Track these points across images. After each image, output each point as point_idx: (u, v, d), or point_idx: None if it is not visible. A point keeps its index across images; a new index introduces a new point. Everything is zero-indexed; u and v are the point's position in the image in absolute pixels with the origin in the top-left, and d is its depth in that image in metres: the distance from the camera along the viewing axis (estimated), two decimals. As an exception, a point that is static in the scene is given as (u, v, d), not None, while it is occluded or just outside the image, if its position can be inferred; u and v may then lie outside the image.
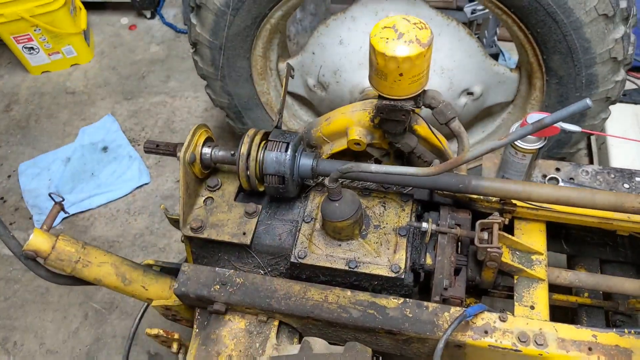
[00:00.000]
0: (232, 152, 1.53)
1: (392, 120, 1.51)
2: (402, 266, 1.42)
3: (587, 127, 2.06)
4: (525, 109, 2.15)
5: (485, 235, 1.41)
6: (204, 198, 1.60)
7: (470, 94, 2.13)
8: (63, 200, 1.65)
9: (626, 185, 1.64)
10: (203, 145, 1.53)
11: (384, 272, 1.42)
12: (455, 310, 1.39)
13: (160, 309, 1.68)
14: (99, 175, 3.26)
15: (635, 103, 2.81)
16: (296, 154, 1.47)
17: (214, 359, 1.45)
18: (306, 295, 1.44)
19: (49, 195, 1.65)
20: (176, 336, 1.63)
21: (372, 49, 1.32)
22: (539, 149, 1.54)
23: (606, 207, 1.34)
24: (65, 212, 1.70)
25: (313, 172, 1.48)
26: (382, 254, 1.44)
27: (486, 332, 1.36)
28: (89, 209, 3.12)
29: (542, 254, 1.49)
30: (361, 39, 2.04)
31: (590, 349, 1.33)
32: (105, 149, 3.40)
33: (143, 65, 3.79)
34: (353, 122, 1.72)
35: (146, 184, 3.19)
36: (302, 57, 2.24)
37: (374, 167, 1.27)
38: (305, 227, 1.51)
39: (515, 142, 1.55)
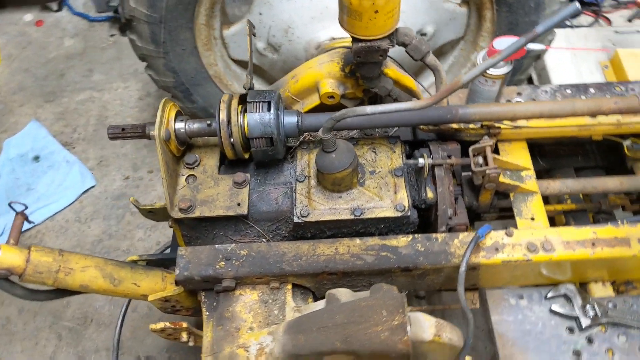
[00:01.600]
0: (209, 122, 1.44)
1: (369, 63, 1.48)
2: (406, 204, 1.42)
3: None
4: (476, 43, 2.19)
5: (480, 159, 1.44)
6: (185, 177, 1.51)
7: (424, 34, 2.14)
8: (26, 208, 1.51)
9: (583, 97, 1.73)
10: (175, 120, 1.43)
11: (389, 213, 1.41)
12: (464, 236, 1.41)
13: (158, 302, 1.59)
14: (37, 188, 3.01)
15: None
16: (279, 112, 1.41)
17: (234, 335, 1.39)
18: (316, 252, 1.41)
19: (9, 205, 1.50)
20: (184, 325, 1.55)
21: (344, -12, 1.27)
22: (507, 74, 1.57)
23: (586, 113, 1.40)
24: (30, 222, 1.56)
25: (299, 128, 1.43)
26: (384, 197, 1.44)
27: (497, 249, 1.40)
28: (34, 226, 2.89)
29: (530, 169, 1.55)
30: (309, -10, 1.98)
31: (593, 244, 1.41)
32: (36, 158, 3.14)
33: (59, 62, 3.50)
34: (323, 75, 1.67)
35: (92, 187, 2.99)
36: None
37: (369, 109, 1.24)
38: (300, 187, 1.47)
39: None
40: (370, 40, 1.38)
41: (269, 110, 1.37)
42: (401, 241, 1.41)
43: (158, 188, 2.97)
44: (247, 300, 1.44)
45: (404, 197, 1.43)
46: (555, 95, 1.71)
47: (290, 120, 1.42)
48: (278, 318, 1.41)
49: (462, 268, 1.30)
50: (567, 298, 1.52)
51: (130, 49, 2.20)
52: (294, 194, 1.46)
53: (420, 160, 1.44)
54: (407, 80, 1.69)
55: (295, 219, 1.42)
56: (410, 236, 1.42)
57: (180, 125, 1.43)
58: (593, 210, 1.73)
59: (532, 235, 1.42)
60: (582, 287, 1.57)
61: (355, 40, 1.40)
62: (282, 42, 2.12)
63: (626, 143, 1.63)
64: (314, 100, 1.72)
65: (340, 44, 2.02)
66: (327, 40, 2.04)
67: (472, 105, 1.44)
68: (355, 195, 1.44)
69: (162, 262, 1.75)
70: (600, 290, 1.55)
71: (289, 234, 1.49)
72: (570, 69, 2.65)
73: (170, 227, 1.55)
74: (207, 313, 1.47)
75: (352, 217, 1.41)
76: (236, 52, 2.32)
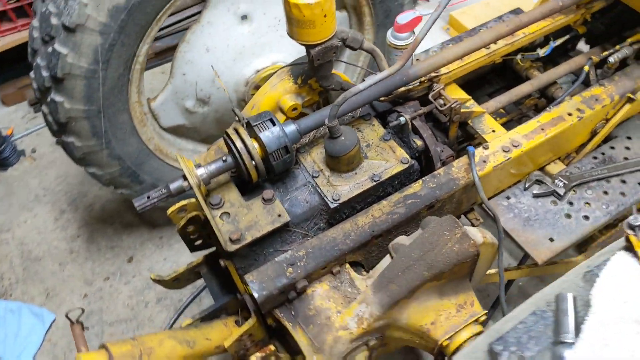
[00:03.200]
0: (224, 158, 1.58)
1: (325, 64, 1.74)
2: (407, 156, 1.69)
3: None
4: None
5: (441, 101, 1.77)
6: (218, 217, 1.61)
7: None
8: (82, 312, 1.49)
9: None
10: (196, 168, 1.55)
11: (399, 168, 1.67)
12: (457, 162, 1.73)
13: (235, 346, 1.64)
14: (-9, 352, 2.72)
15: None
16: (281, 125, 1.60)
17: (328, 324, 1.52)
18: (358, 224, 1.61)
19: (66, 316, 1.47)
20: (272, 347, 1.63)
21: (295, 6, 1.53)
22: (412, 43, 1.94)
23: (494, 39, 1.82)
24: (86, 328, 1.53)
25: (300, 132, 1.63)
26: (389, 158, 1.69)
27: (484, 161, 1.74)
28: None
29: (471, 99, 1.93)
30: (224, 37, 2.18)
31: (542, 129, 1.81)
32: (-26, 323, 2.83)
33: (-50, 220, 3.20)
34: (280, 94, 1.90)
35: (53, 321, 2.79)
36: (173, 85, 2.28)
37: (361, 86, 1.50)
38: (319, 180, 1.66)
39: (394, 42, 1.92)
40: (324, 42, 1.64)
41: (274, 125, 1.56)
42: (416, 187, 1.68)
43: (124, 291, 2.87)
44: (321, 293, 1.58)
45: (402, 153, 1.70)
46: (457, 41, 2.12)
47: (290, 129, 1.62)
48: (354, 293, 1.58)
49: (476, 178, 1.61)
50: (539, 181, 1.91)
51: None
52: (317, 188, 1.65)
53: (402, 119, 1.73)
54: (340, 73, 1.98)
55: (332, 205, 1.60)
56: (420, 181, 1.69)
57: (201, 171, 1.54)
58: (518, 116, 2.17)
59: (501, 141, 1.78)
60: (543, 170, 1.97)
61: (310, 47, 1.66)
62: (211, 91, 2.30)
63: (518, 57, 2.11)
64: (279, 119, 1.92)
65: (267, 72, 2.26)
66: (253, 74, 2.27)
67: (415, 64, 1.77)
68: (366, 167, 1.68)
69: (213, 316, 1.79)
70: (556, 167, 1.96)
71: (326, 224, 1.67)
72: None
73: (224, 268, 1.63)
74: (291, 324, 1.57)
75: (373, 183, 1.64)
76: (165, 121, 2.43)
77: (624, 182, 1.85)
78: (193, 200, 1.68)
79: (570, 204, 1.85)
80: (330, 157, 1.64)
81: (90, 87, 1.94)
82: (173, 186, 1.53)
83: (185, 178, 1.49)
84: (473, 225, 1.90)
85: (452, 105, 1.73)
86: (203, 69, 2.23)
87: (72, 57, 1.88)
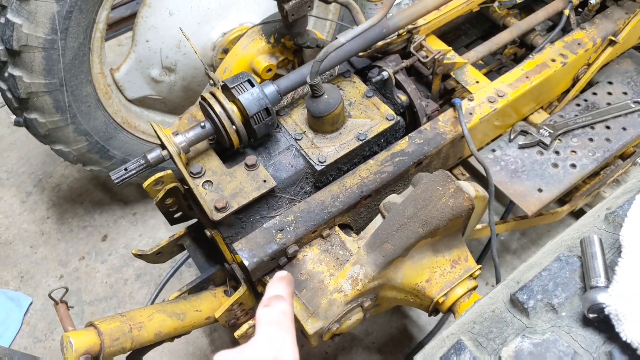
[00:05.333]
0: (202, 125, 1.49)
1: (299, 19, 1.65)
2: (392, 112, 1.63)
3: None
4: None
5: (423, 52, 1.71)
6: (200, 185, 1.53)
7: None
8: (67, 291, 1.42)
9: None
10: (174, 136, 1.46)
11: (385, 125, 1.61)
12: (443, 115, 1.68)
13: (225, 315, 1.60)
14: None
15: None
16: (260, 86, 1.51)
17: (322, 287, 1.48)
18: (346, 186, 1.56)
19: (49, 295, 1.39)
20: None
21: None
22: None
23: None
24: (71, 307, 1.46)
25: (279, 93, 1.55)
26: (374, 116, 1.63)
27: (471, 113, 1.69)
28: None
29: (451, 50, 1.86)
30: (187, -3, 2.06)
31: (527, 77, 1.77)
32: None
33: None
34: (253, 54, 1.80)
35: (30, 304, 2.69)
36: (137, 53, 2.15)
37: (342, 39, 1.42)
38: (303, 143, 1.59)
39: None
40: (299, -4, 1.55)
41: (253, 85, 1.47)
42: (402, 144, 1.63)
43: (101, 269, 2.78)
44: (312, 257, 1.53)
45: (387, 109, 1.64)
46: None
47: (269, 89, 1.53)
48: (346, 255, 1.54)
49: (465, 131, 1.57)
50: (524, 132, 1.88)
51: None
52: (302, 151, 1.58)
53: (384, 73, 1.66)
54: (315, 31, 1.89)
55: (318, 168, 1.54)
56: (407, 137, 1.64)
57: (180, 139, 1.45)
58: (498, 67, 2.13)
59: (486, 92, 1.74)
60: (526, 121, 1.95)
61: (284, 1, 1.56)
62: (177, 58, 2.18)
63: (495, 4, 2.05)
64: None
65: (234, 34, 2.15)
66: (220, 37, 2.15)
67: (393, 16, 1.70)
68: (351, 126, 1.61)
69: (200, 287, 1.73)
70: (539, 117, 1.94)
71: (312, 187, 1.61)
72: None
73: (210, 238, 1.56)
74: (283, 291, 1.52)
75: (359, 142, 1.58)
76: (131, 92, 2.30)
77: (608, 127, 1.84)
78: (169, 171, 1.60)
79: (557, 153, 1.84)
80: (313, 117, 1.57)
81: (49, 58, 1.80)
82: (151, 156, 1.44)
83: (163, 147, 1.40)
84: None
85: (435, 57, 1.67)
86: (167, 35, 2.10)
87: (28, 27, 1.73)
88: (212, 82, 1.56)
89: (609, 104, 1.91)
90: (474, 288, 1.51)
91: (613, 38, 1.82)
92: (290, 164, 1.59)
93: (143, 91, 2.30)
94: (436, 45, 1.87)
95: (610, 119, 1.85)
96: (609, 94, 1.94)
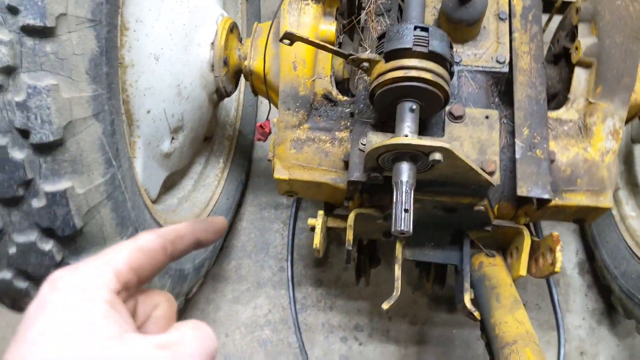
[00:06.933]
0: (412, 107, 1.19)
1: None
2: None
3: None
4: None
5: None
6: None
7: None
8: None
9: None
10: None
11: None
12: None
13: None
14: None
15: None
16: None
17: (591, 164, 1.41)
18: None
19: None
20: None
21: None
22: None
23: None
24: None
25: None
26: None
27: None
28: None
29: None
30: (163, 25, 1.53)
31: None
32: None
33: None
34: (314, 26, 1.46)
35: None
36: (142, 136, 1.56)
37: None
38: (463, 61, 1.40)
39: None
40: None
41: (427, 31, 1.20)
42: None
43: None
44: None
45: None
46: None
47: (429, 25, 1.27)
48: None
49: None
50: None
51: None
52: (472, 68, 1.40)
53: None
54: None
55: (504, 69, 1.39)
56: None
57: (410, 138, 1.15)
58: None
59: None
60: None
61: None
62: (182, 108, 1.62)
63: None
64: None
65: (222, 39, 1.71)
66: (211, 50, 1.70)
67: None
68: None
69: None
70: None
71: (499, 97, 1.45)
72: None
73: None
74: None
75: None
76: (154, 191, 1.73)
77: None
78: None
79: None
80: (456, 27, 1.37)
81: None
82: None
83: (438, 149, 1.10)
84: None
85: None
86: (164, 87, 1.55)
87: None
88: (365, 65, 1.24)
89: None
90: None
91: None
92: (474, 88, 1.40)
93: (160, 179, 1.75)
94: None
95: None
96: None
